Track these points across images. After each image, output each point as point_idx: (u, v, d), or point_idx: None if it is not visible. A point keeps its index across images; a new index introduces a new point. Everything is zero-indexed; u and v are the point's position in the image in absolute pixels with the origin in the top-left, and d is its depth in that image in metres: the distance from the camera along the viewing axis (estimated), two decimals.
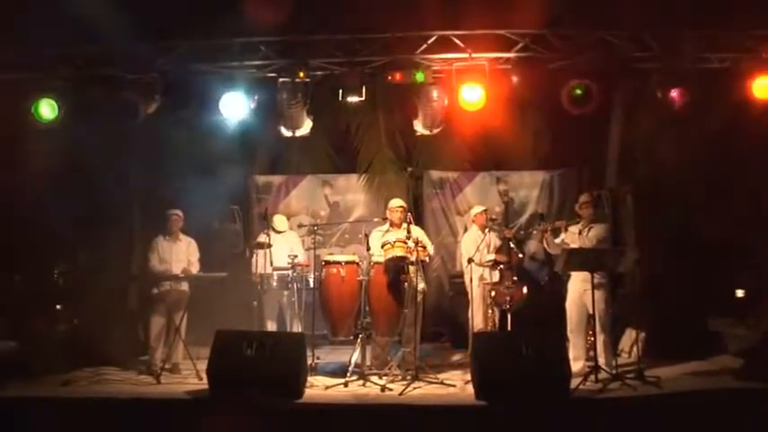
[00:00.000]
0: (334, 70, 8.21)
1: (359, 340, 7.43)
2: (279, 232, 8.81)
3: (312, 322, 7.90)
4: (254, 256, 8.43)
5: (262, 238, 8.35)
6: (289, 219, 9.60)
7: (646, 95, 8.26)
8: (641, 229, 9.20)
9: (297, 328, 8.31)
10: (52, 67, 8.08)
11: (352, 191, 10.87)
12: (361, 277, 7.58)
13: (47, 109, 8.05)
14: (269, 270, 8.17)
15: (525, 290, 8.27)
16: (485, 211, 8.83)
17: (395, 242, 7.45)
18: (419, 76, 8.00)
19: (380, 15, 8.15)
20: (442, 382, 7.12)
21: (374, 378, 7.20)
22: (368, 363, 7.51)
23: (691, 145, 8.66)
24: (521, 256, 8.71)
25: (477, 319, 8.40)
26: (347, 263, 7.72)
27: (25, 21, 7.82)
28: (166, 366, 7.76)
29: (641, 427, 6.25)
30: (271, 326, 8.51)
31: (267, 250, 8.16)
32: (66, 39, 7.91)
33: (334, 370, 7.72)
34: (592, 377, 6.92)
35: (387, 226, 8.09)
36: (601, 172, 10.16)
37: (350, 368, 7.28)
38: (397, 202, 8.19)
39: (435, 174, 10.84)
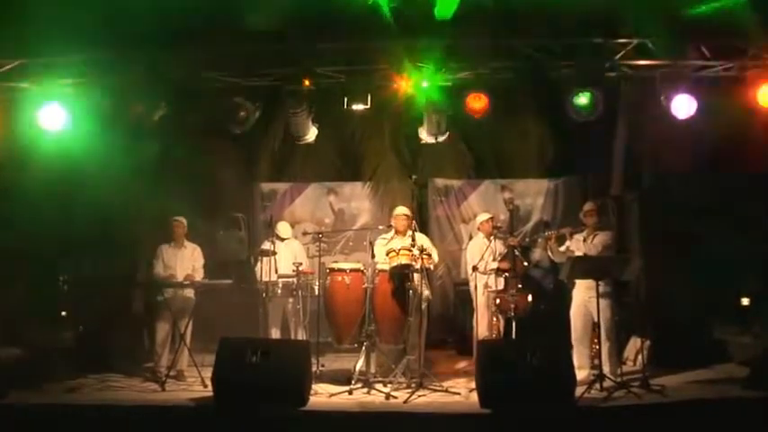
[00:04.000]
0: (339, 78, 8.23)
1: (363, 348, 7.44)
2: (282, 239, 8.82)
3: (317, 330, 7.90)
4: (259, 263, 8.45)
5: (266, 246, 8.37)
6: (293, 226, 9.60)
7: (650, 103, 8.25)
8: (646, 237, 9.19)
9: (301, 335, 8.33)
10: (58, 75, 8.11)
11: (356, 198, 10.89)
12: (365, 285, 7.59)
13: (52, 116, 8.07)
14: (273, 277, 8.19)
15: (530, 297, 8.24)
16: (491, 218, 8.81)
17: (400, 250, 7.45)
18: (424, 84, 8.01)
19: (385, 23, 8.16)
20: (446, 390, 7.11)
21: (379, 386, 7.18)
22: (372, 370, 7.52)
23: (696, 153, 8.65)
24: (525, 263, 8.70)
25: (482, 326, 8.39)
26: (352, 270, 7.73)
27: (31, 28, 7.85)
28: (171, 373, 7.77)
29: None
30: (275, 333, 8.51)
31: (272, 258, 8.17)
32: (72, 45, 7.95)
33: (339, 377, 7.69)
34: (597, 385, 6.91)
35: (391, 233, 8.11)
36: (606, 180, 10.14)
37: (354, 376, 7.29)
38: (401, 210, 8.21)
39: (440, 181, 10.86)
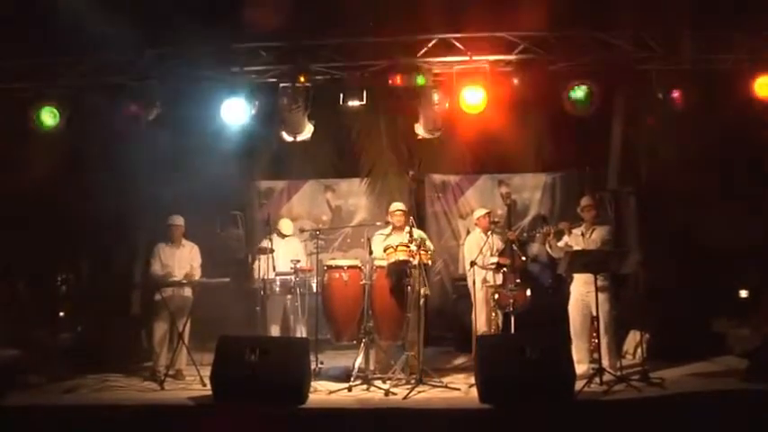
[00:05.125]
0: (334, 75, 8.22)
1: (362, 344, 7.42)
2: (284, 236, 8.80)
3: (315, 327, 7.90)
4: (257, 261, 8.43)
5: (264, 244, 8.35)
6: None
7: (647, 96, 8.24)
8: (644, 231, 9.19)
9: (300, 333, 8.31)
10: (54, 75, 8.09)
11: (353, 195, 10.87)
12: (363, 281, 7.57)
13: (48, 116, 8.07)
14: (272, 275, 8.17)
15: (528, 292, 8.25)
16: (488, 213, 8.82)
17: (397, 246, 7.44)
18: (420, 80, 8.00)
19: (381, 19, 8.15)
20: (446, 386, 7.10)
21: (378, 382, 7.18)
22: (371, 367, 7.52)
23: (693, 145, 8.64)
24: (524, 258, 8.69)
25: (481, 321, 8.38)
26: (350, 267, 7.72)
27: (28, 29, 7.84)
28: (170, 373, 7.76)
29: (646, 428, 6.24)
30: (274, 331, 8.49)
31: (270, 255, 8.16)
32: (68, 46, 7.93)
33: (338, 375, 7.69)
34: (596, 379, 6.91)
35: (389, 229, 8.10)
36: (603, 173, 10.13)
37: (353, 373, 7.27)
38: (396, 206, 8.21)
39: (437, 177, 10.84)
